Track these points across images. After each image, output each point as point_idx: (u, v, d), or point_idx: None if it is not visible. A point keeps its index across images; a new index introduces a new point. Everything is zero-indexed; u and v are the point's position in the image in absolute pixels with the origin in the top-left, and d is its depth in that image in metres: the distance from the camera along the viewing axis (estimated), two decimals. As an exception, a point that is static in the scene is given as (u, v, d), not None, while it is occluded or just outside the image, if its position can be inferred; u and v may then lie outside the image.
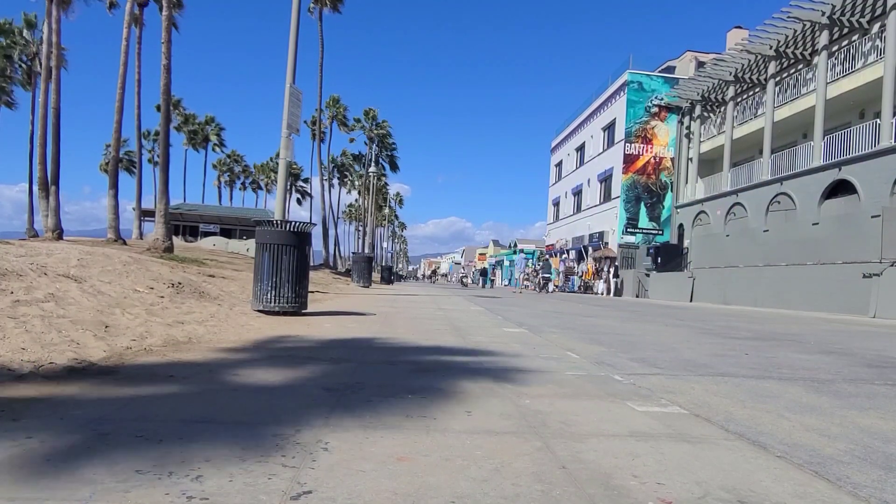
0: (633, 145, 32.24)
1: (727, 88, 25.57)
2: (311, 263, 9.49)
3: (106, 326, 3.90)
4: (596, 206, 36.35)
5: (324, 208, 38.11)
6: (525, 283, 37.24)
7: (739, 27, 30.05)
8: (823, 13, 19.50)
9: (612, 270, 27.80)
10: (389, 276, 30.55)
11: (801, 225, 17.71)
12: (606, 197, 34.90)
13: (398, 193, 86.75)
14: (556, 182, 47.74)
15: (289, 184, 11.70)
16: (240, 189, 69.40)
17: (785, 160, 21.44)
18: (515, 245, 65.44)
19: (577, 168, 41.63)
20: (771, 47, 22.31)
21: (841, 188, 18.35)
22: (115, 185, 19.09)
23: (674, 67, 34.68)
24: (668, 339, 5.89)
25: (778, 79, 22.56)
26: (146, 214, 32.81)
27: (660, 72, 33.98)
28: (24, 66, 35.07)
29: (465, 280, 50.86)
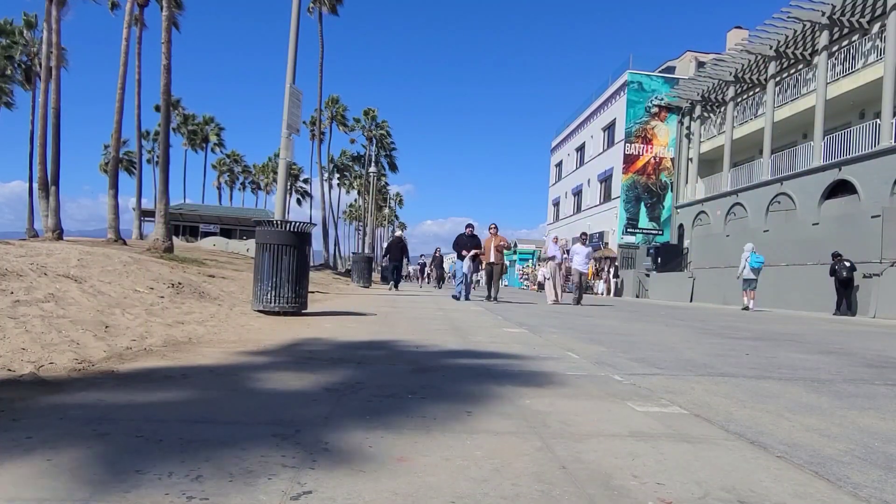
0: (633, 145, 32.25)
1: (727, 88, 25.58)
2: (312, 263, 9.49)
3: (106, 326, 3.90)
4: (596, 206, 36.36)
5: (324, 208, 38.16)
6: (525, 282, 36.89)
7: (739, 27, 30.06)
8: (823, 13, 19.51)
9: (612, 270, 27.81)
10: (389, 276, 30.47)
11: (801, 225, 17.73)
12: (606, 197, 34.90)
13: (398, 193, 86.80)
14: (556, 182, 47.75)
15: (289, 184, 11.71)
16: (240, 189, 69.48)
17: (785, 160, 21.45)
18: (515, 245, 65.42)
19: (577, 168, 41.65)
20: (771, 47, 22.31)
21: (841, 188, 18.35)
22: (115, 186, 19.10)
23: (674, 67, 34.69)
24: (668, 339, 5.89)
25: (778, 79, 22.56)
26: (146, 214, 32.84)
27: (660, 72, 34.00)
28: (23, 66, 35.07)
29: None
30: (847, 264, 13.48)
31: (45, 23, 21.09)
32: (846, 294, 13.59)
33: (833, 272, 13.77)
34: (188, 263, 11.52)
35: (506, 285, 40.15)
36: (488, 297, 12.43)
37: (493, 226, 12.85)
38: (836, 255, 13.85)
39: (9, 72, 34.96)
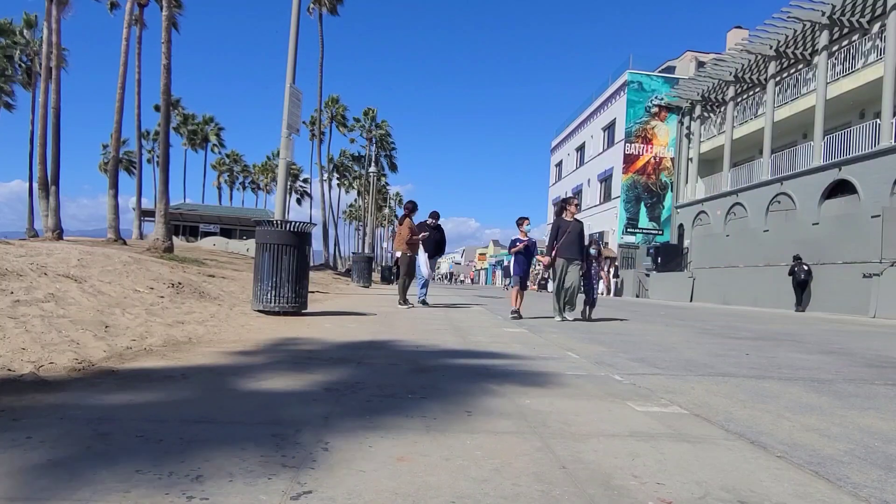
0: (633, 145, 32.23)
1: (727, 88, 25.57)
2: (312, 263, 9.47)
3: (106, 326, 3.90)
4: (596, 206, 36.35)
5: (324, 208, 38.13)
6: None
7: (739, 27, 30.02)
8: (823, 13, 19.50)
9: (612, 270, 27.81)
10: (390, 275, 30.55)
11: (801, 225, 17.71)
12: (606, 197, 34.90)
13: (398, 193, 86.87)
14: (556, 182, 47.74)
15: (289, 184, 11.69)
16: (239, 189, 69.37)
17: (785, 160, 21.44)
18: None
19: (577, 168, 41.64)
20: (771, 47, 22.30)
21: (841, 188, 18.35)
22: (115, 185, 19.09)
23: (674, 67, 34.67)
24: (669, 339, 5.89)
25: (778, 79, 22.55)
26: (146, 214, 32.82)
27: (660, 72, 33.97)
28: (23, 66, 35.05)
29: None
30: (805, 268, 15.23)
31: (46, 23, 21.06)
32: (802, 292, 15.33)
33: (792, 273, 15.39)
34: (188, 263, 11.52)
35: (507, 285, 40.00)
36: (402, 301, 9.21)
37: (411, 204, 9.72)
38: (796, 258, 15.40)
39: (9, 72, 34.94)
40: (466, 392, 2.69)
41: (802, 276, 15.17)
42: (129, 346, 3.53)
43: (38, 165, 20.29)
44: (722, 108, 26.63)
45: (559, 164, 46.86)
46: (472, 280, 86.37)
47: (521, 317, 7.87)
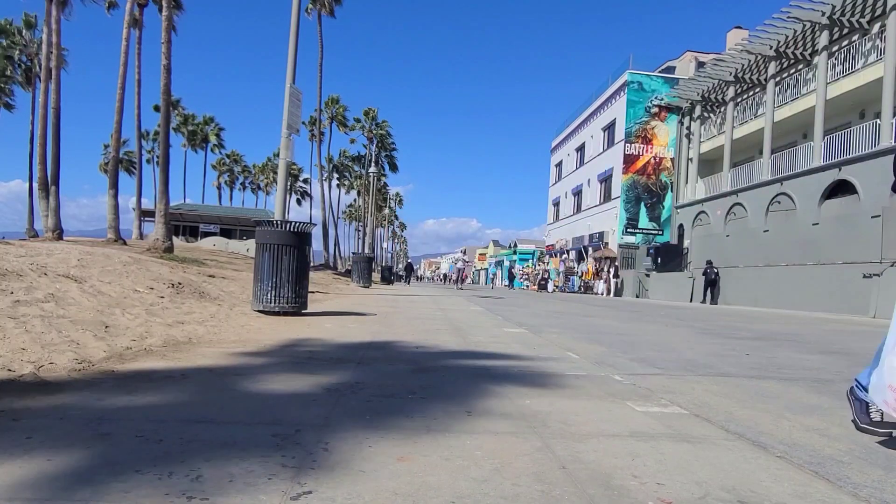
0: (633, 145, 32.24)
1: (727, 89, 25.57)
2: (312, 263, 9.48)
3: (106, 326, 3.90)
4: (596, 206, 36.36)
5: (324, 208, 38.11)
6: (525, 282, 36.60)
7: (739, 27, 30.04)
8: (823, 13, 19.50)
9: (612, 270, 27.80)
10: (390, 275, 30.57)
11: (801, 225, 17.71)
12: (606, 197, 34.90)
13: (398, 193, 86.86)
14: (556, 182, 47.74)
15: (289, 184, 11.68)
16: (240, 189, 69.38)
17: (785, 160, 21.43)
18: (515, 245, 65.49)
19: (577, 168, 41.64)
20: (771, 47, 22.30)
21: (841, 188, 18.35)
22: (115, 186, 19.08)
23: (674, 67, 34.68)
24: (669, 339, 5.89)
25: (778, 79, 22.55)
26: (146, 214, 32.84)
27: (660, 72, 33.98)
28: (23, 66, 35.05)
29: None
30: (715, 270, 19.26)
31: (45, 23, 21.07)
32: (712, 289, 19.26)
33: (704, 274, 19.52)
34: (188, 263, 11.52)
35: (506, 286, 39.81)
36: None
37: None
38: (708, 262, 19.51)
39: (9, 72, 34.93)
40: (466, 392, 2.69)
41: (713, 276, 19.15)
42: (129, 347, 3.53)
43: (38, 165, 20.29)
44: (722, 109, 26.64)
45: (559, 165, 46.86)
46: (469, 279, 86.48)
47: None
